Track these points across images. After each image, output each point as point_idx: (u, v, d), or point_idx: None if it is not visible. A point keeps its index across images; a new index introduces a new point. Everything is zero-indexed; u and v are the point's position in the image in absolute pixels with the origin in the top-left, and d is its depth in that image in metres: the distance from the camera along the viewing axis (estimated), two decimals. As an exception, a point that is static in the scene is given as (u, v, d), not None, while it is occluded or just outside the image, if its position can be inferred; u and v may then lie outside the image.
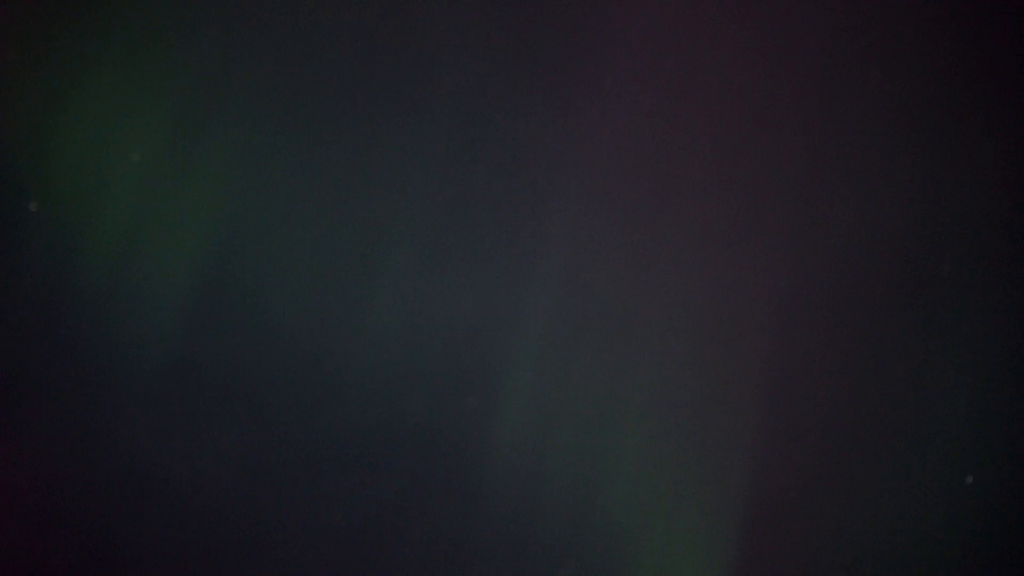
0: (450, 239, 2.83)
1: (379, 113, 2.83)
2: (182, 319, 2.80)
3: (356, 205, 2.82)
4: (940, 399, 2.84)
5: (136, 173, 2.79)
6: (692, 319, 2.86)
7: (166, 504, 2.79)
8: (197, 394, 2.81)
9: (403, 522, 2.80)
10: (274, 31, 2.83)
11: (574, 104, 2.85)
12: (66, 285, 2.79)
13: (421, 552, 2.81)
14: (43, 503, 2.79)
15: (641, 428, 2.83)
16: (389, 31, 2.84)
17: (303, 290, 2.80)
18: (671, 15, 2.89)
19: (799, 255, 2.87)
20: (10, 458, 2.79)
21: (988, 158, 2.87)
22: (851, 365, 2.86)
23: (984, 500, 2.82)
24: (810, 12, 2.88)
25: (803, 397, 2.82)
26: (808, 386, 2.83)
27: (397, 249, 2.81)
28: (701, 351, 2.85)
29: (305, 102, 2.83)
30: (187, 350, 2.80)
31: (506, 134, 2.84)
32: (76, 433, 2.80)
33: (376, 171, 2.82)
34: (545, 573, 2.81)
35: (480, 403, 2.81)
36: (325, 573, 2.80)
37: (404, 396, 2.80)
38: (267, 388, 2.81)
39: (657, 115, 2.88)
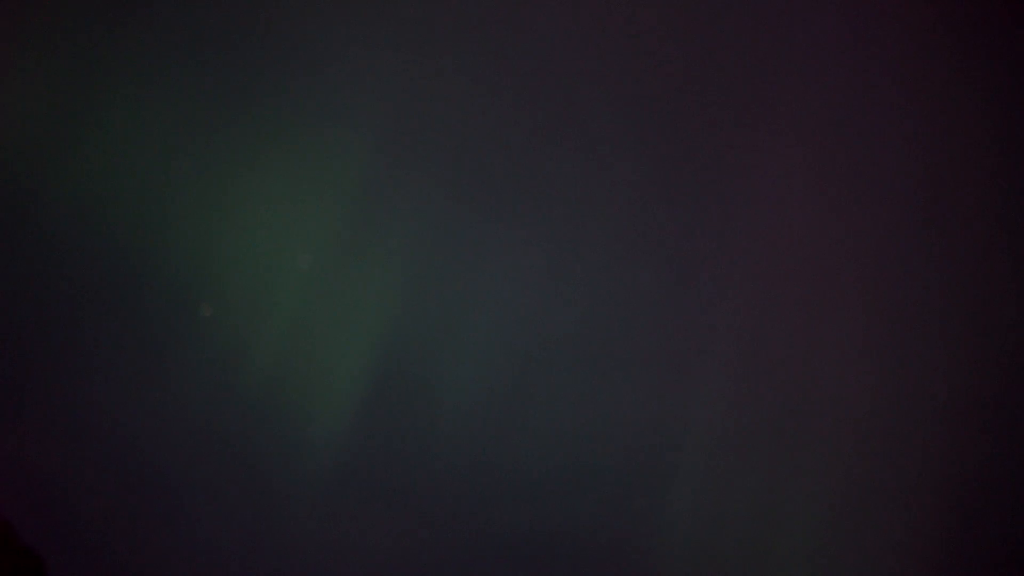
0: (617, 340, 2.82)
1: (545, 211, 2.83)
2: (348, 421, 2.80)
3: (525, 307, 2.82)
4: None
5: (306, 278, 2.81)
6: (860, 421, 2.83)
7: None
8: (363, 495, 2.80)
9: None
10: (439, 131, 2.84)
11: (740, 203, 2.84)
12: (235, 389, 2.80)
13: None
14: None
15: (813, 532, 2.79)
16: (556, 127, 2.84)
17: (473, 392, 2.80)
18: (831, 113, 2.88)
19: (968, 355, 2.83)
20: (179, 561, 2.79)
21: None
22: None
23: None
24: (977, 106, 2.86)
25: (983, 500, 2.78)
26: (987, 490, 2.78)
27: (568, 351, 2.81)
28: (871, 453, 2.82)
29: (470, 203, 2.84)
30: (353, 452, 2.80)
31: (671, 233, 2.83)
32: (242, 536, 2.79)
33: (545, 272, 2.82)
34: None
35: (648, 503, 2.79)
36: None
37: (575, 499, 2.78)
38: (435, 489, 2.80)
39: (819, 216, 2.86)
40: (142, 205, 2.82)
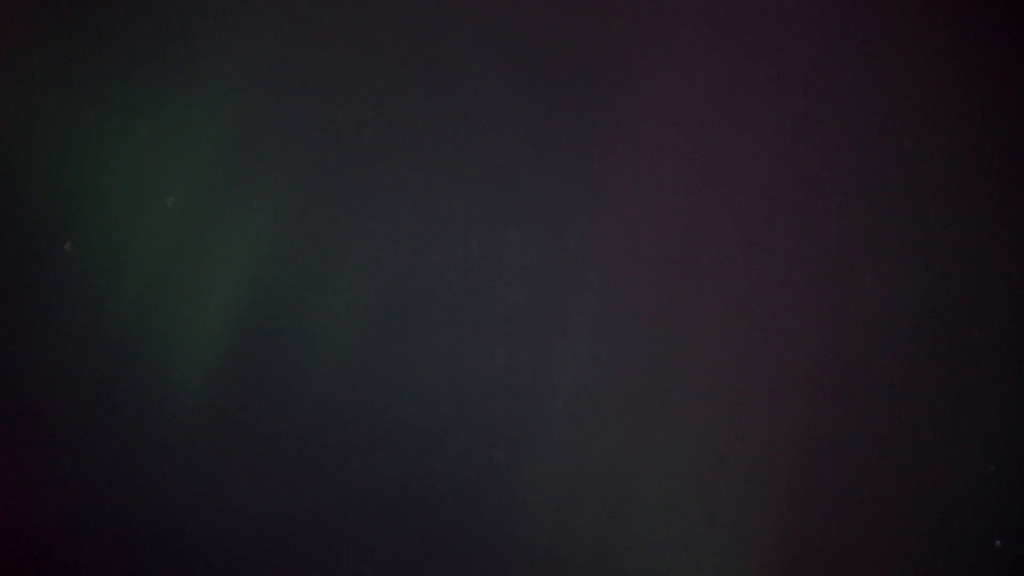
0: (485, 298, 2.84)
1: (418, 167, 2.86)
2: (215, 365, 2.81)
3: (392, 263, 2.84)
4: (970, 464, 2.83)
5: (171, 217, 2.82)
6: (719, 386, 2.86)
7: (193, 550, 2.79)
8: (227, 441, 2.82)
9: (428, 574, 2.79)
10: (313, 84, 2.87)
11: (611, 168, 2.88)
12: (98, 327, 2.80)
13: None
14: (71, 544, 2.79)
15: (666, 486, 2.82)
16: (428, 85, 2.87)
17: (337, 341, 2.82)
18: (703, 83, 2.92)
19: (827, 326, 2.87)
20: (40, 501, 2.79)
21: (1014, 222, 2.89)
22: (881, 432, 2.85)
23: (1012, 564, 2.80)
24: (838, 81, 2.91)
25: (832, 465, 2.82)
26: (837, 455, 2.82)
27: (432, 306, 2.83)
28: (729, 417, 2.85)
29: (343, 159, 2.86)
30: (218, 397, 2.82)
31: (541, 194, 2.86)
32: (106, 476, 2.80)
33: (412, 230, 2.84)
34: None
35: (507, 457, 2.81)
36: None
37: (434, 449, 2.81)
38: (297, 437, 2.82)
39: (688, 183, 2.90)
40: (5, 143, 2.83)
